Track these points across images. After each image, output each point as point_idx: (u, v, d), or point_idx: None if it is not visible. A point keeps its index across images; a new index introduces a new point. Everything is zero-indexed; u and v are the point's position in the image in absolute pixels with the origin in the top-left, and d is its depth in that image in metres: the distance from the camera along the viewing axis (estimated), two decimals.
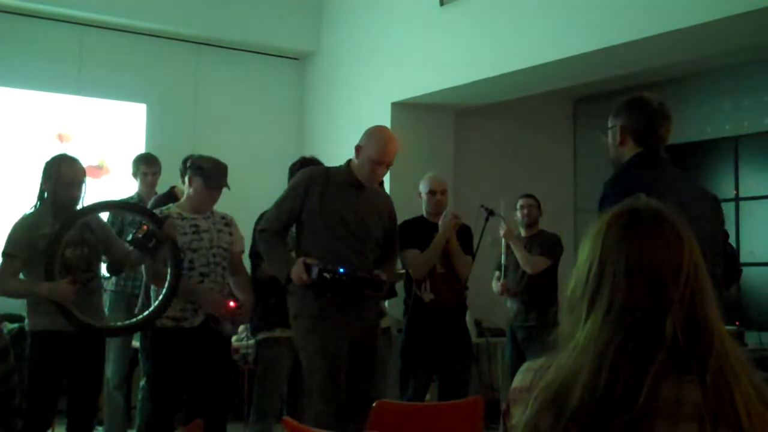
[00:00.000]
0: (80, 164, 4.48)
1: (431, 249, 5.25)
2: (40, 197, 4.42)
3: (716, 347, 1.41)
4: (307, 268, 4.06)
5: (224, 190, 4.63)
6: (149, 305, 4.64)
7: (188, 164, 4.83)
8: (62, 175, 4.34)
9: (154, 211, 4.66)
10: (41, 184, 4.42)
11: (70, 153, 4.60)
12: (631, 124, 3.11)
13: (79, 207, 4.42)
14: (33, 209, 4.42)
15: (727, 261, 3.31)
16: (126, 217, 5.78)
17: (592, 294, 1.46)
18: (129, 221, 5.80)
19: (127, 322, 4.92)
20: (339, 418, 3.98)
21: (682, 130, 7.90)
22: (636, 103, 3.16)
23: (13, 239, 4.33)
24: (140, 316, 4.62)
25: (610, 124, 3.19)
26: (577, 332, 1.46)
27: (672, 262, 1.43)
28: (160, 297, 4.43)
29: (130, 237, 4.48)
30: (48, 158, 4.47)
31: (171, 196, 5.59)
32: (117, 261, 4.66)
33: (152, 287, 4.62)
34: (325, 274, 4.04)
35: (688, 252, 1.45)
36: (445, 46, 7.15)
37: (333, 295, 4.07)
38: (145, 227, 4.39)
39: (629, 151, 3.09)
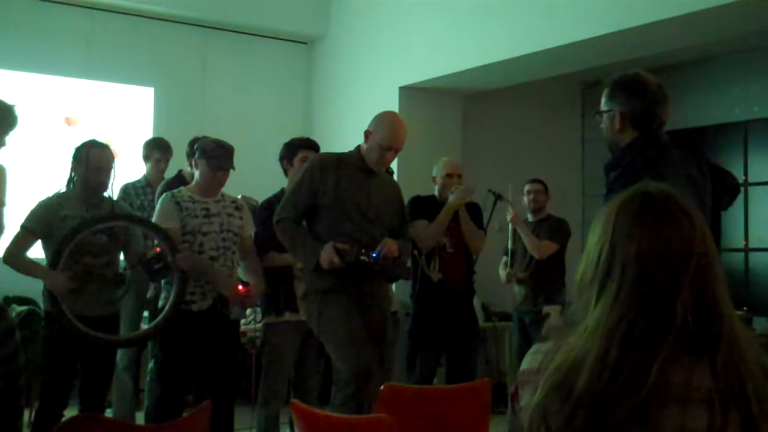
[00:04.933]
0: (109, 150, 4.54)
1: (439, 219, 5.28)
2: (70, 182, 4.47)
3: (727, 331, 1.42)
4: (338, 252, 4.07)
5: (233, 174, 4.63)
6: (160, 290, 4.68)
7: (194, 147, 4.85)
8: (91, 161, 4.39)
9: (173, 192, 4.67)
10: (71, 169, 4.48)
11: (99, 139, 4.63)
12: (629, 111, 3.00)
13: (106, 194, 4.48)
14: (61, 191, 4.47)
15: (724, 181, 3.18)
16: (134, 201, 5.81)
17: (602, 277, 1.47)
18: (138, 205, 5.82)
19: (133, 334, 5.05)
20: (368, 363, 3.99)
21: (691, 115, 7.88)
22: (633, 86, 3.04)
23: (34, 215, 4.39)
24: (139, 332, 4.77)
25: (605, 108, 3.09)
26: (587, 315, 1.46)
27: (682, 246, 1.43)
28: (159, 318, 4.48)
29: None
30: (78, 144, 4.52)
31: (180, 179, 5.60)
32: (122, 274, 4.66)
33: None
34: (363, 258, 4.06)
35: (700, 236, 1.45)
36: (453, 30, 7.13)
37: (347, 275, 4.09)
38: (158, 249, 4.41)
39: (629, 135, 3.00)
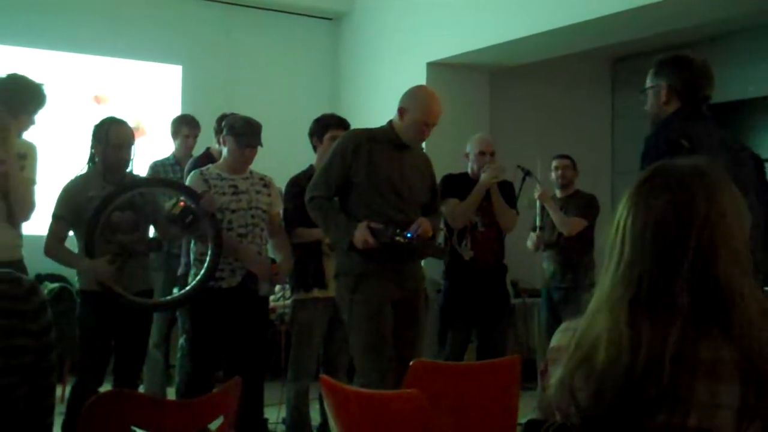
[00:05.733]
0: (129, 127, 4.48)
1: (471, 197, 5.25)
2: (91, 160, 4.45)
3: (738, 306, 1.40)
4: (372, 231, 4.07)
5: (261, 150, 4.63)
6: (189, 264, 4.70)
7: (222, 124, 4.85)
8: (111, 138, 4.34)
9: (201, 170, 4.68)
10: (91, 147, 4.43)
11: (118, 115, 4.62)
12: (675, 83, 3.08)
13: (128, 169, 4.46)
14: (83, 172, 4.46)
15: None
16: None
17: (610, 253, 1.48)
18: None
19: (170, 297, 5.00)
20: (384, 374, 4.01)
21: (723, 90, 7.74)
22: (680, 61, 3.13)
23: (61, 201, 4.36)
24: (182, 292, 4.68)
25: (651, 84, 3.15)
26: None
27: (679, 222, 1.42)
28: (200, 275, 4.48)
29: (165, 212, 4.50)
30: (97, 121, 4.48)
31: (208, 156, 5.61)
32: (155, 238, 4.68)
33: (192, 247, 4.67)
34: (398, 238, 4.04)
35: (703, 212, 1.42)
36: (481, 5, 7.07)
37: (381, 255, 4.08)
38: (181, 203, 4.41)
39: (672, 107, 3.07)
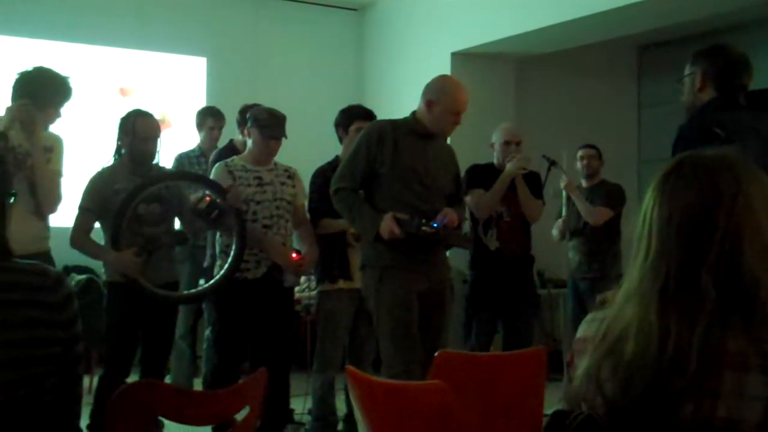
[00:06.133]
0: (155, 119, 4.50)
1: (495, 187, 5.23)
2: (117, 152, 4.48)
3: (761, 298, 1.38)
4: (398, 222, 4.07)
5: (286, 142, 4.64)
6: (215, 256, 4.72)
7: (246, 115, 4.86)
8: (138, 130, 4.37)
9: (226, 161, 4.70)
10: (117, 140, 4.46)
11: (143, 108, 4.63)
12: (712, 70, 3.09)
13: (155, 162, 4.49)
14: (109, 164, 4.48)
15: None
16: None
17: (638, 242, 1.47)
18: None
19: (195, 290, 5.02)
20: (411, 363, 4.00)
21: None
22: (717, 49, 3.15)
23: (88, 193, 4.38)
24: (207, 284, 4.71)
25: (688, 71, 3.16)
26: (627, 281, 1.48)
27: (705, 212, 1.41)
28: (224, 268, 4.50)
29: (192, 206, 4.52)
30: (123, 114, 4.51)
31: (232, 148, 5.63)
32: (181, 231, 4.69)
33: (218, 239, 4.68)
34: (424, 228, 4.04)
35: (729, 202, 1.40)
36: None
37: (407, 246, 4.08)
38: (207, 198, 4.43)
39: (707, 95, 3.06)
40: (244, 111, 5.38)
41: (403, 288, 4.11)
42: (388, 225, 4.04)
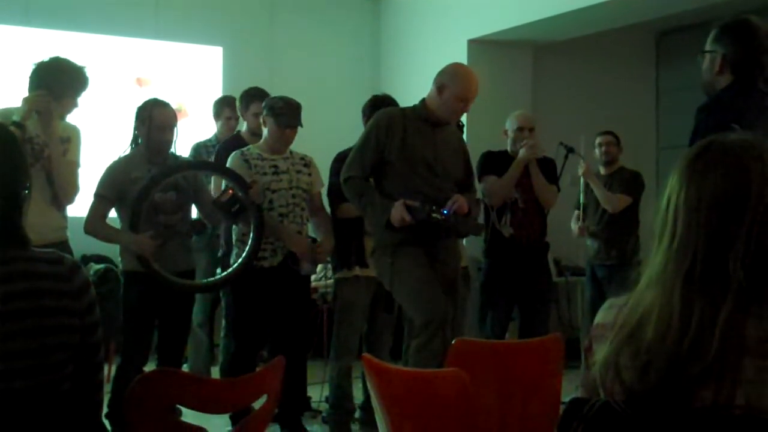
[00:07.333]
0: (171, 108, 4.52)
1: (508, 173, 5.21)
2: (134, 141, 4.50)
3: None
4: (409, 209, 4.06)
5: (303, 130, 4.63)
6: (231, 245, 4.72)
7: (244, 101, 4.83)
8: (154, 120, 4.38)
9: (242, 150, 4.69)
10: (134, 129, 4.49)
11: (160, 97, 4.64)
12: (733, 54, 2.98)
13: (172, 151, 4.50)
14: (126, 153, 4.50)
15: None
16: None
17: (662, 228, 1.45)
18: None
19: (211, 279, 5.03)
20: (439, 313, 4.00)
21: None
22: (741, 29, 3.01)
23: (104, 181, 4.41)
24: (224, 274, 4.73)
25: (709, 48, 3.06)
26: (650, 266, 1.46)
27: (733, 197, 1.39)
28: (241, 258, 4.51)
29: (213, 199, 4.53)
30: (140, 103, 4.53)
31: (238, 139, 5.60)
32: (199, 220, 4.71)
33: (234, 229, 4.69)
34: (434, 215, 4.04)
35: (758, 187, 1.39)
36: None
37: (417, 233, 4.07)
38: (230, 191, 4.44)
39: (725, 80, 2.98)
40: (246, 97, 5.42)
41: (417, 256, 4.12)
42: (398, 212, 4.05)
